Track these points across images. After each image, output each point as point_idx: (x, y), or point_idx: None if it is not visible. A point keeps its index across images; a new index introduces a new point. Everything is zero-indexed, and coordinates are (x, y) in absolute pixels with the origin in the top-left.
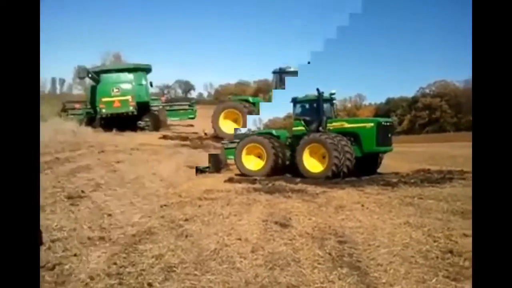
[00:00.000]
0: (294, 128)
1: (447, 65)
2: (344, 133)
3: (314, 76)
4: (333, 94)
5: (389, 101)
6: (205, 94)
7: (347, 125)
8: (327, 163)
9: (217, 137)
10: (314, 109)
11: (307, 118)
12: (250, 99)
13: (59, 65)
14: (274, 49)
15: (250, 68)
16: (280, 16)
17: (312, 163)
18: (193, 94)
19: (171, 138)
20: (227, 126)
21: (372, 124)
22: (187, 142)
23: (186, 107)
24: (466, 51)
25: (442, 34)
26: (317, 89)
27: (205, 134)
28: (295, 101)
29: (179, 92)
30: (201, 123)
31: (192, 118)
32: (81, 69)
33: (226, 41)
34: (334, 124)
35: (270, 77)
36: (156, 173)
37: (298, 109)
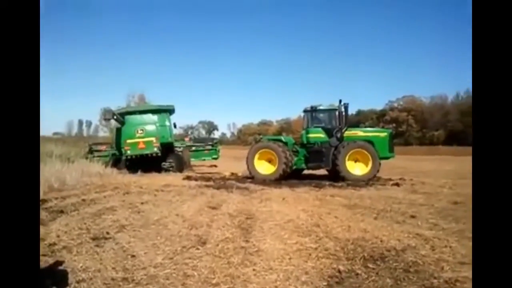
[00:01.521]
0: (312, 135)
1: (415, 81)
2: (357, 140)
3: (287, 88)
4: (347, 104)
5: (359, 112)
6: (228, 134)
7: (361, 133)
8: (371, 167)
9: (248, 177)
10: (333, 118)
11: (328, 126)
12: (283, 138)
13: (85, 108)
14: (296, 88)
15: (272, 107)
16: (300, 57)
17: (353, 166)
18: (216, 134)
19: (195, 178)
20: (262, 167)
21: (386, 134)
22: (210, 183)
23: (209, 147)
24: (433, 68)
25: (412, 50)
26: (340, 100)
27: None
28: (312, 110)
29: (203, 132)
30: (224, 163)
31: (216, 159)
32: (107, 111)
33: (247, 81)
34: (348, 132)
35: (292, 116)
36: (179, 214)
37: (316, 117)
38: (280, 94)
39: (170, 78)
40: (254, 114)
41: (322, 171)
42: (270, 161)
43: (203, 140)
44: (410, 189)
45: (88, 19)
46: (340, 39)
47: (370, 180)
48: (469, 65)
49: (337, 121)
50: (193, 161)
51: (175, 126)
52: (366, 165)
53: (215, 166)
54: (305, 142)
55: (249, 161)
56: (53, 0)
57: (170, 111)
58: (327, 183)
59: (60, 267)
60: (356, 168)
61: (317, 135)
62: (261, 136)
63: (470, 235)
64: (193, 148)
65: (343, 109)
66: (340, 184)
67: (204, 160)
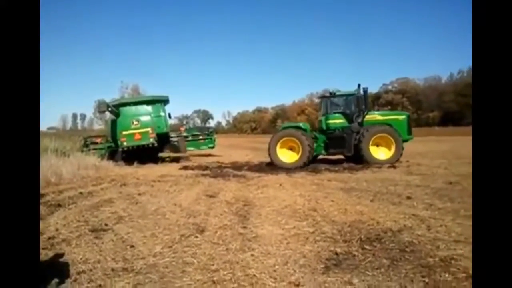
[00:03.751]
0: (332, 121)
1: (408, 62)
2: (378, 124)
3: (280, 74)
4: (366, 88)
5: None
6: (224, 123)
7: (379, 117)
8: (395, 150)
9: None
10: (351, 103)
11: (347, 111)
12: (301, 125)
13: (79, 101)
14: (289, 74)
15: (266, 94)
16: (292, 43)
17: (375, 151)
18: (212, 123)
19: (191, 168)
20: (285, 155)
21: (404, 116)
22: (207, 172)
23: (205, 136)
24: (426, 49)
25: (405, 31)
26: (359, 85)
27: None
28: (331, 95)
29: (198, 121)
30: (221, 152)
31: (212, 148)
32: (101, 103)
33: (241, 69)
34: (367, 117)
35: (286, 102)
36: (176, 203)
37: (334, 103)
38: (273, 81)
39: (164, 69)
40: (249, 102)
41: (337, 156)
42: (291, 149)
43: (198, 129)
44: (406, 170)
45: (81, 13)
46: (331, 25)
47: (392, 163)
48: (462, 45)
49: (356, 105)
50: (190, 150)
51: (170, 116)
52: (389, 149)
53: (211, 155)
54: (324, 128)
55: (271, 150)
56: None
57: (164, 101)
58: (323, 167)
59: (60, 260)
60: (380, 153)
61: (337, 120)
62: (278, 125)
63: (465, 214)
64: (189, 137)
65: (362, 93)
66: (336, 168)
67: (200, 149)
